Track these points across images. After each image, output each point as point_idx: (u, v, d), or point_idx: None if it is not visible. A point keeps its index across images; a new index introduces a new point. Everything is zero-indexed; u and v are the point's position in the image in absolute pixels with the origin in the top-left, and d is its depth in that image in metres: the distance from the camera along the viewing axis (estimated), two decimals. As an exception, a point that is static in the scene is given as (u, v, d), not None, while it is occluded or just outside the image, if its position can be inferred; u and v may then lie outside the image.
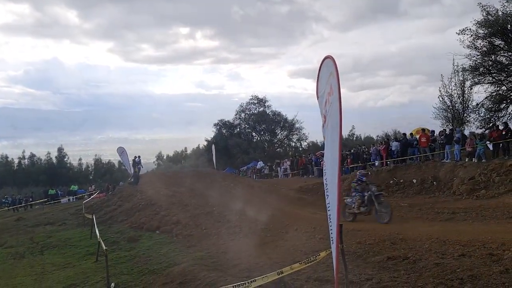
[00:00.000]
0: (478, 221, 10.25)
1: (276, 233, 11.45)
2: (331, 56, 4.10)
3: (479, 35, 20.50)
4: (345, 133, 64.60)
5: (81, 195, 36.26)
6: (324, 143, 4.57)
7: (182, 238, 12.43)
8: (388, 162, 20.86)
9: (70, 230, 16.95)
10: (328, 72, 4.19)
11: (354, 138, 60.83)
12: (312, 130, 57.82)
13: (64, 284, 9.11)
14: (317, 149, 46.43)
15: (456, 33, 21.36)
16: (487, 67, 21.31)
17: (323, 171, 4.49)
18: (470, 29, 20.64)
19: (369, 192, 12.34)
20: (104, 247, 8.60)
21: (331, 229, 4.10)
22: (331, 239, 4.10)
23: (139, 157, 24.35)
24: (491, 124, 20.49)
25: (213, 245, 11.01)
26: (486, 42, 20.70)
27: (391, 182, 18.82)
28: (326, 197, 4.32)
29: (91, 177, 68.07)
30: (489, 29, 20.01)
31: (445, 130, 19.11)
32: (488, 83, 21.71)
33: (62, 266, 10.95)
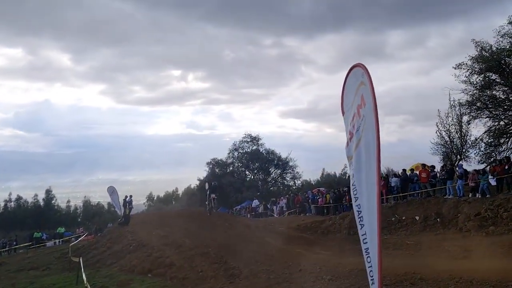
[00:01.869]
0: (497, 259, 9.58)
1: (279, 274, 10.61)
2: (361, 64, 3.63)
3: (475, 69, 20.68)
4: (338, 172, 64.36)
5: (68, 237, 34.73)
6: (351, 164, 3.98)
7: (177, 282, 11.52)
8: (388, 199, 20.27)
9: (55, 275, 15.86)
10: (357, 82, 3.72)
11: (347, 177, 60.38)
12: (305, 169, 57.35)
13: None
14: (311, 187, 45.73)
15: (453, 67, 21.59)
16: (484, 101, 21.36)
17: (353, 196, 3.88)
18: (466, 63, 20.87)
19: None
20: (92, 293, 7.73)
21: (369, 267, 3.46)
22: (370, 278, 3.45)
23: (130, 196, 23.46)
24: (492, 159, 20.26)
25: (211, 289, 10.14)
26: (482, 77, 20.86)
27: (392, 219, 18.15)
28: (359, 227, 3.70)
29: (79, 219, 66.10)
30: (485, 64, 20.20)
31: (446, 165, 18.75)
32: (486, 117, 21.70)
33: (44, 315, 9.94)
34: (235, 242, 15.36)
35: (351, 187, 3.96)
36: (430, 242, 13.85)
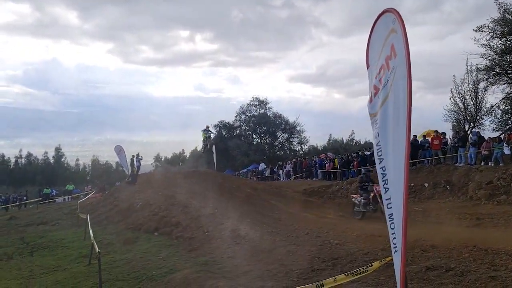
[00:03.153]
0: (510, 228, 9.37)
1: (286, 237, 10.52)
2: (393, 9, 3.19)
3: (497, 32, 19.70)
4: (345, 138, 63.95)
5: (76, 194, 35.26)
6: (375, 122, 3.61)
7: (183, 241, 11.51)
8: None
9: (63, 231, 16.05)
10: (386, 30, 3.29)
11: (354, 143, 60.12)
12: (312, 135, 56.98)
13: (52, 290, 8.19)
14: (317, 153, 45.57)
15: (473, 30, 20.62)
16: (503, 67, 20.49)
17: (377, 157, 3.56)
18: (487, 26, 19.86)
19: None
20: (97, 250, 7.68)
21: (393, 234, 3.20)
22: (393, 246, 3.20)
23: (137, 155, 23.43)
24: (507, 127, 19.71)
25: (217, 249, 10.09)
26: (503, 41, 19.90)
27: (401, 185, 17.95)
28: (383, 191, 3.41)
29: (88, 178, 67.22)
30: (507, 28, 19.21)
31: (459, 132, 18.28)
32: (505, 83, 20.89)
33: (51, 269, 10.01)
34: (241, 204, 15.30)
35: (375, 148, 3.62)
36: (439, 210, 13.68)
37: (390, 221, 3.26)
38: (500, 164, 15.81)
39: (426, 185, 17.19)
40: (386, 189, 3.34)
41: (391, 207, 3.24)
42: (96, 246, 8.29)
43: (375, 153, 3.64)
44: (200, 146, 54.53)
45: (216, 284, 6.29)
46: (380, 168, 3.48)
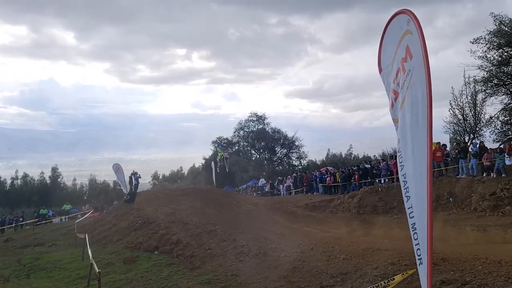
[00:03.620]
0: (519, 239, 9.18)
1: (291, 252, 10.28)
2: (407, 10, 3.07)
3: (493, 44, 19.85)
4: (343, 152, 63.85)
5: (74, 214, 34.77)
6: (397, 128, 3.47)
7: (184, 259, 11.24)
8: (398, 178, 19.80)
9: (61, 252, 15.69)
10: (400, 32, 3.17)
11: (352, 158, 59.99)
12: (311, 150, 56.92)
13: (50, 313, 7.90)
14: (316, 167, 45.38)
15: (470, 42, 20.78)
16: (501, 78, 20.60)
17: (399, 164, 3.40)
18: (484, 37, 20.03)
19: None
20: (97, 270, 7.42)
21: (417, 245, 3.01)
22: (418, 257, 3.01)
23: (135, 173, 23.12)
24: (507, 138, 19.65)
25: (220, 267, 9.84)
26: (499, 53, 20.05)
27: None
28: (405, 199, 3.24)
29: (85, 197, 66.53)
30: (503, 39, 19.36)
31: (459, 144, 18.19)
32: (503, 94, 20.97)
33: (49, 291, 9.72)
34: (243, 220, 15.07)
35: (397, 155, 3.47)
36: (444, 222, 13.47)
37: (413, 231, 3.07)
38: (503, 175, 15.68)
39: (428, 197, 17.02)
40: (408, 198, 3.17)
41: (413, 216, 3.06)
42: (95, 266, 8.04)
43: (397, 160, 3.48)
44: (198, 162, 54.16)
45: (222, 303, 6.04)
46: (402, 175, 3.32)
